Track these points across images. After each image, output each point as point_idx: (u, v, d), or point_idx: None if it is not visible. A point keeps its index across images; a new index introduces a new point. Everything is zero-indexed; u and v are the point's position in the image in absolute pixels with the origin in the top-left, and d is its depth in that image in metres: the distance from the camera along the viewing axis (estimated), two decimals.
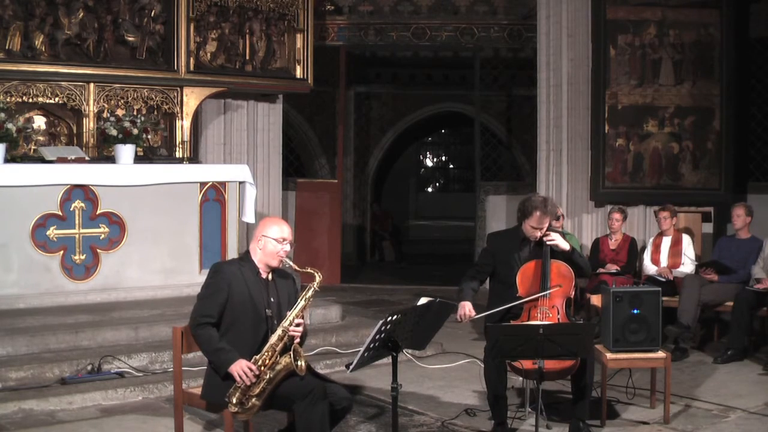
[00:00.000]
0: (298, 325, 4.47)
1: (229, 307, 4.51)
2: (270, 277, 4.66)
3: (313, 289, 4.54)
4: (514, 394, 6.11)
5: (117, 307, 7.42)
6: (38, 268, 7.32)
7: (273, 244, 4.57)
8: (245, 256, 4.68)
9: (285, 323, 4.45)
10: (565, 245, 5.50)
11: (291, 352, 4.37)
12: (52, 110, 8.48)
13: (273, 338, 4.43)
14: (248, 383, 4.34)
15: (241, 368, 4.33)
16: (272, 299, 4.60)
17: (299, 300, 4.51)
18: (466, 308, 5.53)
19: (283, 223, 4.68)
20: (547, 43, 10.10)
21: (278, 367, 4.38)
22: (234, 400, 4.34)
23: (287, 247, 4.61)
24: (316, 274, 4.59)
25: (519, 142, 15.03)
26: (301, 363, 4.38)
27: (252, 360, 4.37)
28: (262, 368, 4.37)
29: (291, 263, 4.63)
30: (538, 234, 5.50)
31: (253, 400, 4.36)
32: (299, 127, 14.73)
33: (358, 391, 6.33)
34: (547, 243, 5.47)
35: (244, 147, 10.25)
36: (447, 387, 6.57)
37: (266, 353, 4.40)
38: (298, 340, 4.49)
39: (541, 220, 5.48)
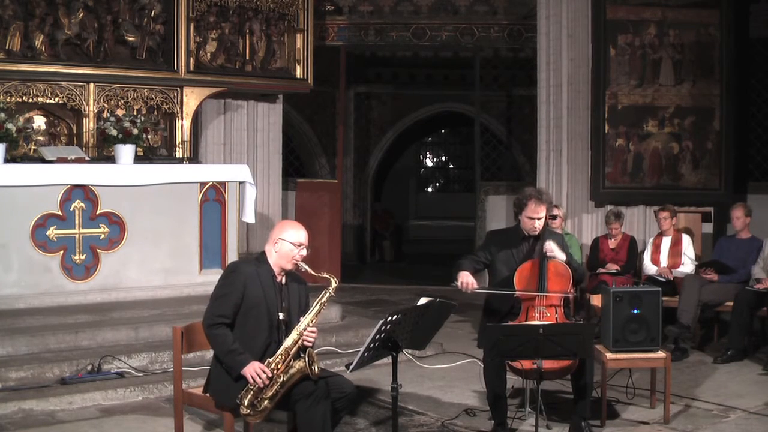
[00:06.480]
0: (312, 330, 4.49)
1: (243, 309, 4.51)
2: (283, 281, 4.65)
3: (328, 294, 4.56)
4: (514, 394, 6.11)
5: (117, 307, 7.41)
6: (38, 268, 7.31)
7: (289, 247, 4.56)
8: (261, 258, 4.66)
9: (300, 327, 4.47)
10: (562, 256, 5.51)
11: (306, 357, 4.38)
12: (52, 110, 8.47)
13: (288, 342, 4.44)
14: (261, 385, 4.34)
15: (254, 370, 4.34)
16: (284, 303, 4.60)
17: (314, 305, 4.53)
18: (469, 278, 5.41)
19: (301, 228, 4.66)
20: (547, 43, 10.10)
21: (292, 371, 4.39)
22: (246, 402, 4.35)
23: (303, 252, 4.60)
24: (332, 279, 4.60)
25: (519, 142, 15.01)
26: (316, 368, 4.39)
27: (265, 363, 4.38)
28: (275, 371, 4.37)
29: (307, 268, 4.61)
30: (536, 225, 5.48)
31: (266, 402, 4.37)
32: (299, 127, 14.71)
33: (358, 391, 6.31)
34: (548, 255, 5.44)
35: (244, 147, 10.25)
36: (447, 387, 6.57)
37: (280, 356, 4.41)
38: (311, 344, 4.51)
39: (537, 208, 5.47)
